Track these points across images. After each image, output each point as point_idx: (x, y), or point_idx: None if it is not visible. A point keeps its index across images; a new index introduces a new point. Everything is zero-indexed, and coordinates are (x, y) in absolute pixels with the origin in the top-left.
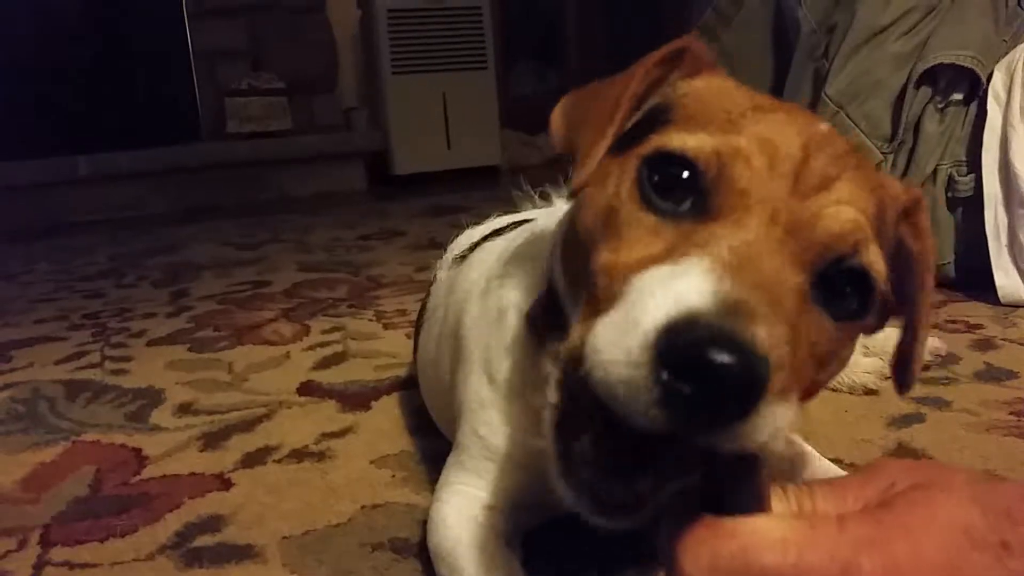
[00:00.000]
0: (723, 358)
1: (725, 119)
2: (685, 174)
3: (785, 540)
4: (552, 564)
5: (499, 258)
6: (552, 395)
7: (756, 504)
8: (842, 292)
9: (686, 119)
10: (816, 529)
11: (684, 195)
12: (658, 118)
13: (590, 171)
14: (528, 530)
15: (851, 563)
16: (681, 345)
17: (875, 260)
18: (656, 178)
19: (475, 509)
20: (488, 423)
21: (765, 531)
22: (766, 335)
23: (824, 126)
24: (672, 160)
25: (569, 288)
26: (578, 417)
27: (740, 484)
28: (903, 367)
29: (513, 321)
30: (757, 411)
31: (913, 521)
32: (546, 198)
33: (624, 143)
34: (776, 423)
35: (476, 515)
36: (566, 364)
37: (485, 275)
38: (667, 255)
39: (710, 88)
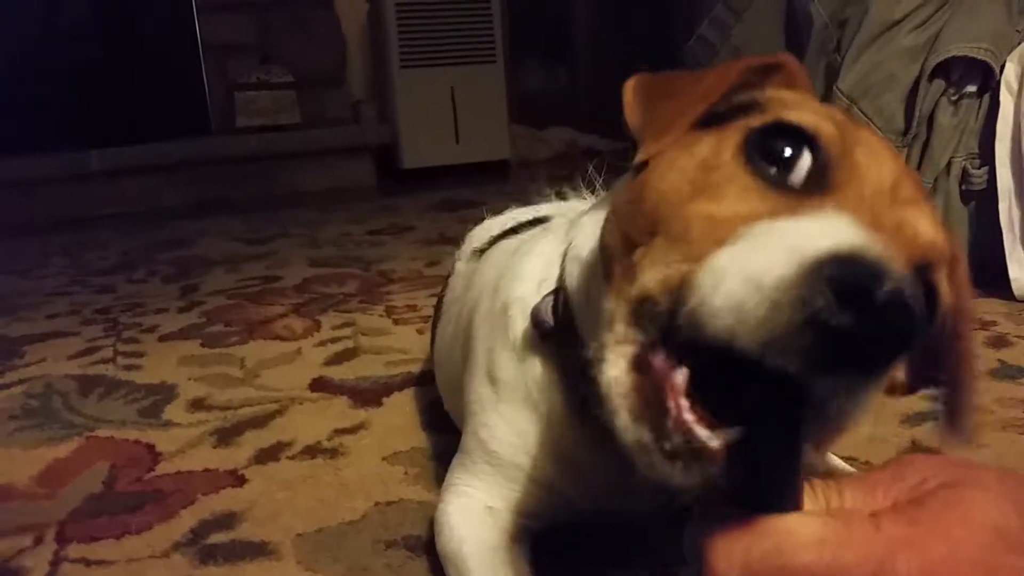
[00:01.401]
0: (895, 295)
1: (829, 119)
2: (795, 149)
3: (821, 540)
4: (563, 565)
5: (510, 256)
6: (626, 333)
7: (790, 502)
8: None
9: (781, 107)
10: (851, 528)
11: (794, 169)
12: (747, 109)
13: (669, 142)
14: (538, 531)
15: (886, 563)
16: (851, 272)
17: (944, 284)
18: (764, 146)
19: (479, 510)
20: (487, 425)
21: (800, 530)
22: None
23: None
24: (788, 132)
25: (609, 267)
26: (672, 353)
27: (778, 482)
28: (955, 425)
29: (517, 317)
30: (891, 370)
31: (949, 521)
32: (563, 196)
33: (708, 123)
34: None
35: (481, 516)
36: (641, 306)
37: (496, 274)
38: (789, 212)
39: (799, 98)
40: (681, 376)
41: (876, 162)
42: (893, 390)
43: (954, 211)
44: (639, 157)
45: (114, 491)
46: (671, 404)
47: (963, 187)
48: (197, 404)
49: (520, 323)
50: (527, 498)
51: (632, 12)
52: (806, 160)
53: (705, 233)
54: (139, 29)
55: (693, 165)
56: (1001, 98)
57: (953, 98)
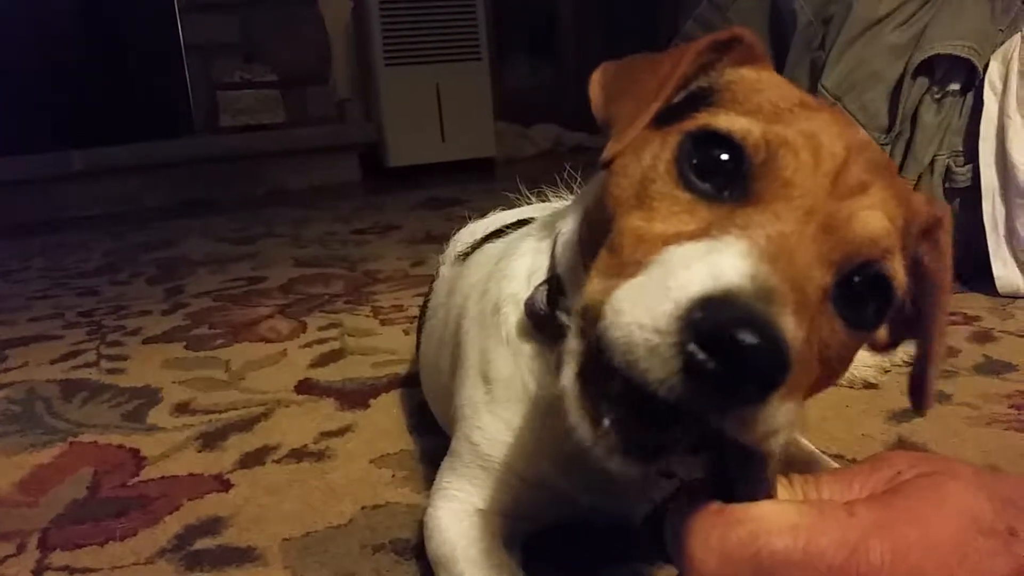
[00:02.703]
0: (753, 340)
1: (772, 110)
2: (725, 156)
3: (795, 525)
4: (553, 567)
5: (496, 259)
6: (572, 343)
7: (763, 493)
8: (859, 299)
9: (732, 103)
10: (825, 514)
11: (723, 178)
12: (701, 99)
13: (627, 142)
14: (529, 534)
15: (860, 546)
16: (714, 320)
17: (898, 271)
18: (696, 157)
19: (470, 514)
20: (481, 428)
21: (775, 516)
22: (793, 327)
23: (863, 133)
24: (717, 140)
25: (586, 259)
26: (597, 369)
27: (748, 473)
28: (918, 389)
29: (510, 314)
30: (770, 400)
31: (922, 506)
32: (543, 197)
33: (664, 119)
34: (781, 418)
35: (471, 520)
36: (583, 317)
37: (483, 277)
38: (702, 233)
39: (760, 78)
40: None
41: (812, 159)
42: (876, 346)
43: None
44: (603, 157)
45: (98, 497)
46: (604, 419)
47: (947, 185)
48: (182, 408)
49: (513, 317)
50: (519, 500)
51: (618, 8)
52: (730, 168)
53: (631, 252)
54: (121, 29)
55: (639, 173)
56: (985, 97)
57: (937, 96)
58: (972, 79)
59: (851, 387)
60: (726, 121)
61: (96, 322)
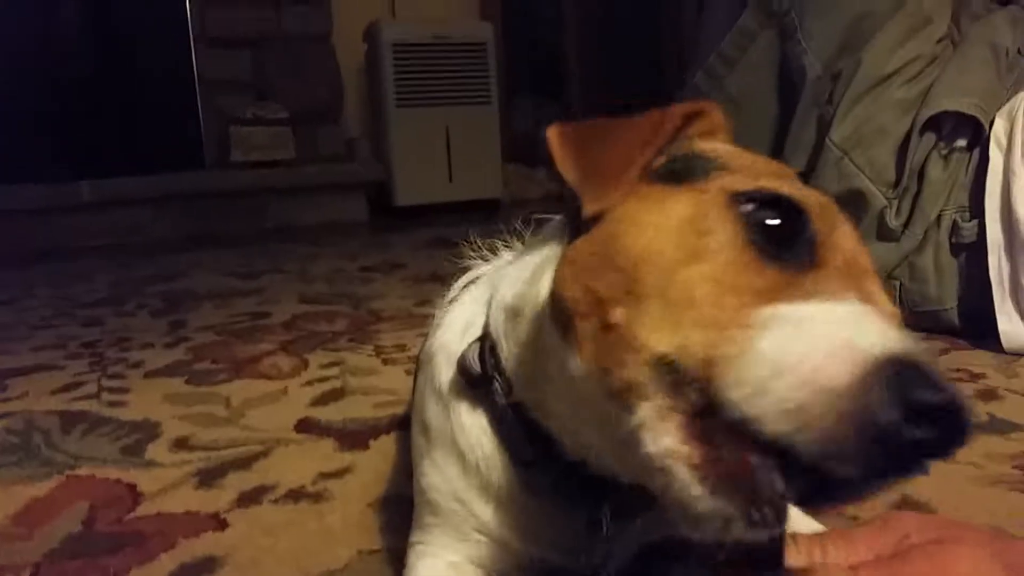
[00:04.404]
0: (961, 405)
1: (777, 179)
2: (778, 219)
3: None
4: None
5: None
6: (660, 401)
7: (776, 559)
8: None
9: (742, 169)
10: None
11: (778, 241)
12: (702, 164)
13: (621, 193)
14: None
15: None
16: (926, 383)
17: None
18: (752, 214)
19: (441, 568)
20: (425, 475)
21: None
22: None
23: None
24: (777, 203)
25: (587, 308)
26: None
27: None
28: None
29: (442, 364)
30: None
31: (929, 573)
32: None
33: (669, 179)
34: None
35: (443, 574)
36: (673, 368)
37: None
38: (801, 293)
39: (737, 151)
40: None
41: (848, 235)
42: None
43: (944, 263)
44: (592, 207)
45: (93, 532)
46: (764, 480)
47: (953, 240)
48: (180, 443)
49: (445, 370)
50: (478, 548)
51: (624, 52)
52: (799, 234)
53: (714, 302)
54: (136, 63)
55: (674, 225)
56: (990, 153)
57: (943, 152)
58: (978, 136)
59: None
60: (781, 186)
61: (99, 353)
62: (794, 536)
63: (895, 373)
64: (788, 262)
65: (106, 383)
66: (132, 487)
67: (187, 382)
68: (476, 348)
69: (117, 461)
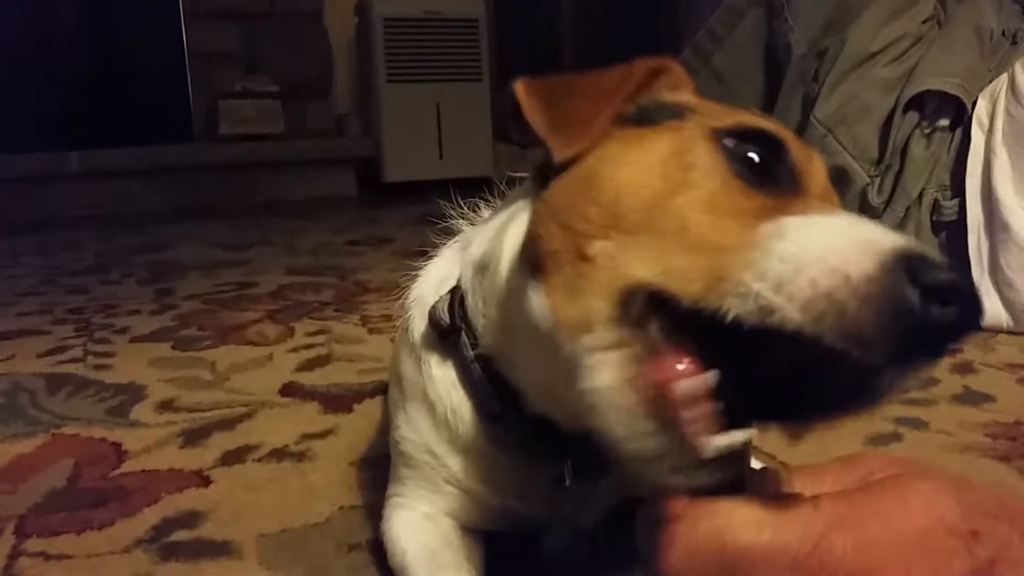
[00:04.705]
0: (968, 286)
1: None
2: (759, 153)
3: (760, 519)
4: (521, 565)
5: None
6: (614, 332)
7: (733, 487)
8: None
9: (716, 115)
10: (790, 509)
11: (763, 172)
12: (673, 111)
13: (593, 138)
14: (487, 531)
15: (823, 540)
16: (935, 267)
17: None
18: (734, 148)
19: (417, 520)
20: (399, 427)
21: (740, 511)
22: None
23: None
24: (758, 137)
25: (564, 246)
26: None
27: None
28: None
29: (416, 316)
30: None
31: (888, 503)
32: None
33: (643, 121)
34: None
35: (420, 524)
36: (651, 292)
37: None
38: (796, 213)
39: (705, 101)
40: (705, 381)
41: (822, 169)
42: None
43: (925, 241)
44: (564, 153)
45: (77, 487)
46: (687, 417)
47: (934, 218)
48: (166, 405)
49: (419, 322)
50: (451, 503)
51: (619, 32)
52: (782, 164)
53: (713, 226)
54: (126, 35)
55: (657, 160)
56: (972, 133)
57: (926, 131)
58: (961, 116)
59: None
60: (753, 120)
61: (85, 319)
62: (763, 472)
63: (912, 262)
64: (774, 190)
65: (92, 347)
66: (117, 446)
67: (173, 347)
68: (447, 300)
69: (102, 421)
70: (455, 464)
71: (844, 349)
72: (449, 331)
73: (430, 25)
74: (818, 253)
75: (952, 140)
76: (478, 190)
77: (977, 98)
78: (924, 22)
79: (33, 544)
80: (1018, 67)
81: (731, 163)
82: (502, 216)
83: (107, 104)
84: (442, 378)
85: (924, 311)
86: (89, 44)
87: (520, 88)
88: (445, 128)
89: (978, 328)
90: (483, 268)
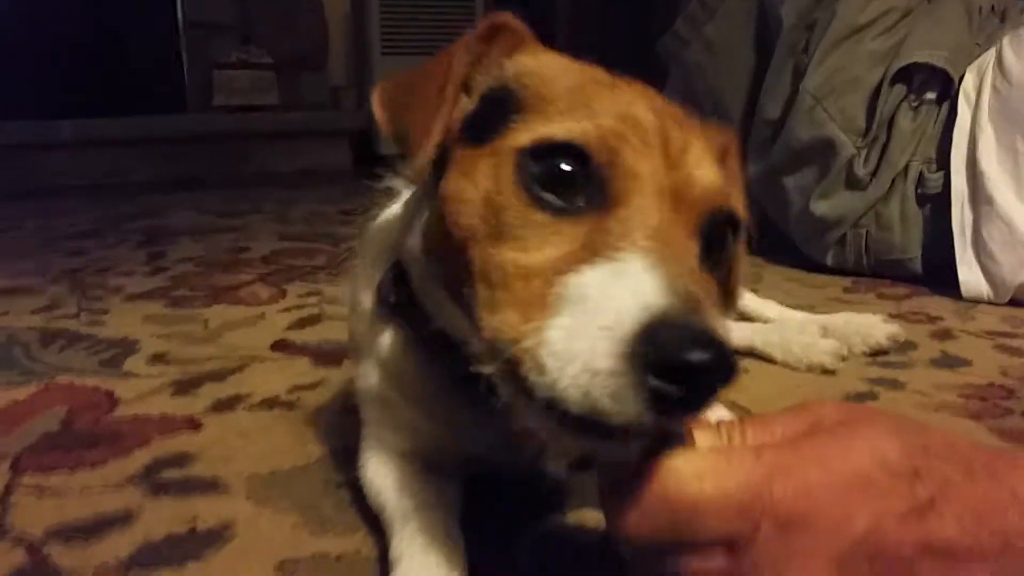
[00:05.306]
0: (705, 356)
1: (581, 101)
2: (569, 167)
3: (703, 472)
4: (498, 512)
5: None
6: (492, 371)
7: (680, 442)
8: (717, 245)
9: (540, 105)
10: (732, 459)
11: (573, 188)
12: (506, 106)
13: (428, 155)
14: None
15: (763, 487)
16: (666, 350)
17: (738, 204)
18: (540, 173)
19: (387, 456)
20: (362, 375)
21: (685, 465)
22: (717, 319)
23: (654, 91)
24: (557, 151)
25: (446, 280)
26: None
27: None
28: (727, 299)
29: (360, 277)
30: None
31: (830, 448)
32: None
33: (478, 135)
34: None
35: (393, 463)
36: (495, 354)
37: None
38: (589, 253)
39: (545, 67)
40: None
41: (642, 141)
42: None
43: (910, 213)
44: (416, 166)
45: (71, 430)
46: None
47: (919, 190)
48: (158, 358)
49: (367, 295)
50: (418, 444)
51: (614, 11)
52: (577, 176)
53: (523, 286)
54: (121, 5)
55: (480, 199)
56: (959, 107)
57: (913, 104)
58: (948, 89)
59: (809, 371)
60: (561, 129)
61: (80, 279)
62: (717, 423)
63: (648, 344)
64: (583, 212)
65: (86, 305)
66: (110, 393)
67: (166, 306)
68: (391, 278)
69: (96, 372)
70: (415, 418)
71: (605, 418)
72: (398, 308)
73: None
74: (574, 350)
75: (939, 113)
76: None
77: (964, 72)
78: None
79: (28, 479)
80: (1006, 42)
81: (535, 194)
82: (416, 195)
83: (101, 74)
84: (394, 346)
85: (666, 389)
86: (84, 13)
87: (375, 99)
88: None
89: (725, 381)
90: (412, 247)
